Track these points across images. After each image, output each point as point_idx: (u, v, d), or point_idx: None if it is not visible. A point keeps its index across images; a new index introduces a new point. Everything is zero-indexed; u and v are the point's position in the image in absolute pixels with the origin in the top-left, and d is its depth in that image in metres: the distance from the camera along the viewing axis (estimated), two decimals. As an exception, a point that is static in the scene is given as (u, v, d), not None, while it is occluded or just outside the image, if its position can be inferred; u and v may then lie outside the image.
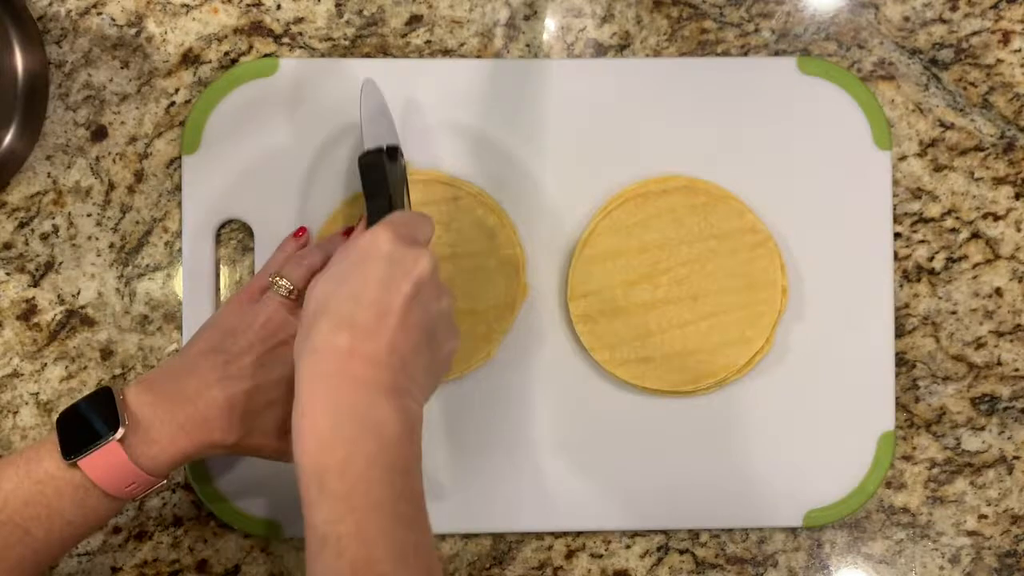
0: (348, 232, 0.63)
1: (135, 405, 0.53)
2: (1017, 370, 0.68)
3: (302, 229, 0.64)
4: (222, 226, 0.66)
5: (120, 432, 0.52)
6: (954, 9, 0.68)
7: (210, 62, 0.66)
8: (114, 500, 0.53)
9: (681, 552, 0.67)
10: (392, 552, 0.46)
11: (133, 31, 0.66)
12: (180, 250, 0.66)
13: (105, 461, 0.52)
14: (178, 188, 0.66)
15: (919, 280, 0.68)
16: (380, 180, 0.56)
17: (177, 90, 0.66)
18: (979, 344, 0.68)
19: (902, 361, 0.67)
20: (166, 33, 0.66)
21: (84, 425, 0.52)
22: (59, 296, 0.66)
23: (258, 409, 0.55)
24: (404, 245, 0.51)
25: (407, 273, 0.50)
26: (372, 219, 0.55)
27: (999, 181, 0.68)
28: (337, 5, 0.67)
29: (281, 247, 0.64)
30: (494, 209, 0.65)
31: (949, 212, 0.68)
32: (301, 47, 0.67)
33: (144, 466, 0.52)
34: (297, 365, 0.49)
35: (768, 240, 0.65)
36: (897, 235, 0.68)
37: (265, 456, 0.57)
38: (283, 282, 0.58)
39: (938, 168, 0.68)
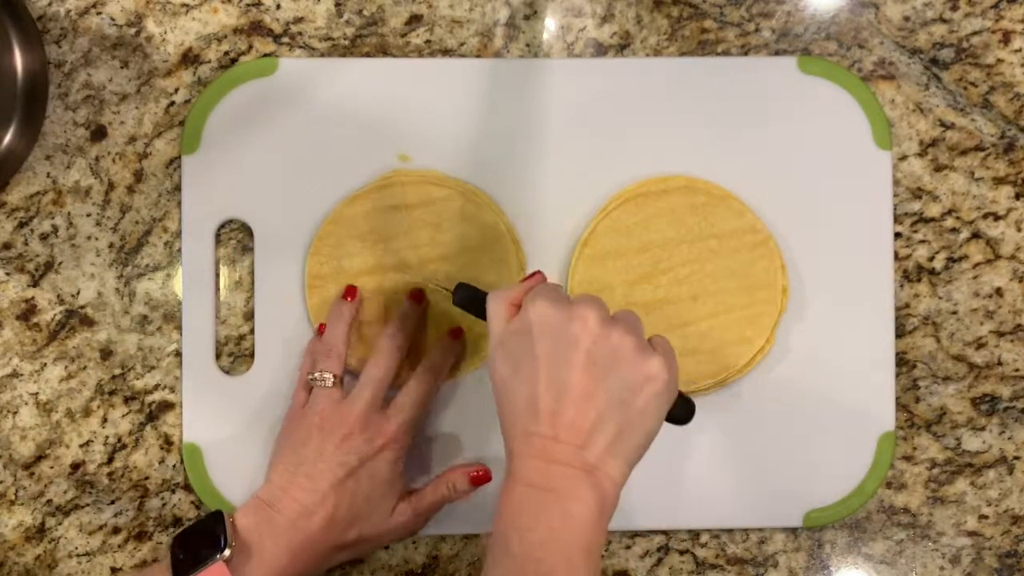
0: (352, 292, 0.64)
1: (242, 527, 0.57)
2: (1017, 370, 0.68)
3: (352, 290, 0.64)
4: (222, 226, 0.66)
5: (224, 555, 0.55)
6: (954, 9, 0.68)
7: (210, 62, 0.66)
8: None
9: (681, 552, 0.67)
10: None
11: (133, 31, 0.66)
12: (180, 250, 0.66)
13: None
14: (178, 188, 0.66)
15: (919, 280, 0.68)
16: (477, 297, 0.58)
17: (177, 90, 0.66)
18: (979, 344, 0.68)
19: (902, 361, 0.67)
20: (166, 33, 0.66)
21: (198, 545, 0.56)
22: (59, 296, 0.65)
23: (356, 506, 0.59)
24: (562, 309, 0.52)
25: (574, 340, 0.51)
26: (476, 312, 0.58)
27: (999, 181, 0.68)
28: (337, 5, 0.67)
29: (338, 312, 0.64)
30: (489, 206, 0.65)
31: (949, 212, 0.68)
32: (301, 47, 0.66)
33: None
34: (507, 444, 0.52)
35: (768, 240, 0.65)
36: (897, 235, 0.67)
37: (385, 543, 0.63)
38: (326, 375, 0.61)
39: (938, 168, 0.68)
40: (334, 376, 0.61)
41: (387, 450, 0.60)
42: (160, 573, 0.56)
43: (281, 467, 0.60)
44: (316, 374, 0.61)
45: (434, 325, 0.65)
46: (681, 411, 0.55)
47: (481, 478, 0.63)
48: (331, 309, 0.64)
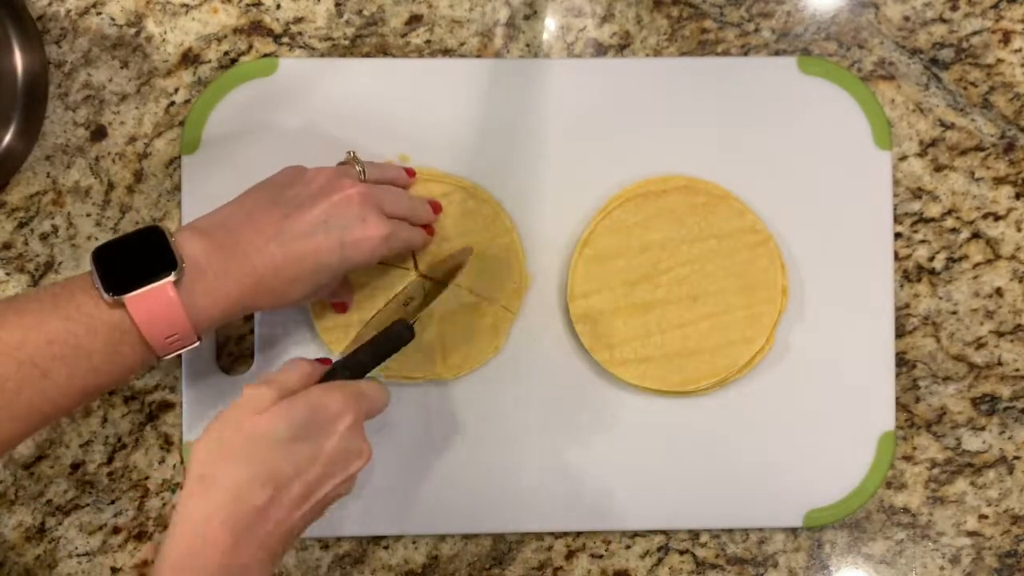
0: (339, 306, 0.63)
1: (189, 249, 0.50)
2: (1017, 370, 0.68)
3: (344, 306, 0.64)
4: (222, 226, 0.66)
5: (174, 275, 0.48)
6: (954, 9, 0.68)
7: (210, 62, 0.66)
8: (147, 352, 0.50)
9: (681, 552, 0.67)
10: None
11: (133, 31, 0.66)
12: (180, 250, 0.66)
13: (154, 303, 0.48)
14: (178, 188, 0.66)
15: (919, 280, 0.68)
16: (373, 361, 0.55)
17: (177, 90, 0.66)
18: (979, 344, 0.68)
19: (902, 361, 0.67)
20: (166, 33, 0.66)
21: (132, 262, 0.48)
22: (59, 296, 0.65)
23: (303, 276, 0.53)
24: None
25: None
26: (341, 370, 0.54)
27: (999, 181, 0.68)
28: (337, 5, 0.67)
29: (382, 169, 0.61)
30: (487, 201, 0.65)
31: (949, 212, 0.68)
32: (301, 47, 0.66)
33: (191, 316, 0.49)
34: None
35: (768, 240, 0.65)
36: (897, 235, 0.68)
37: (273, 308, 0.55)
38: (358, 167, 0.58)
39: (938, 168, 0.68)
40: (361, 168, 0.58)
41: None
42: (81, 289, 0.48)
43: (258, 194, 0.54)
44: (354, 158, 0.59)
45: (460, 323, 0.64)
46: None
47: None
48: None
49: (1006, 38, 0.68)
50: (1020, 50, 0.68)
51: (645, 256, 0.65)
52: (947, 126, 0.68)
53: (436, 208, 0.63)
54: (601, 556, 0.67)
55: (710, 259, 0.65)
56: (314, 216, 0.54)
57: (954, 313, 0.68)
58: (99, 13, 0.66)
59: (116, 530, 0.66)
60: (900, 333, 0.67)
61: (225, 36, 0.66)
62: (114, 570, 0.66)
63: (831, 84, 0.67)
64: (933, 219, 0.68)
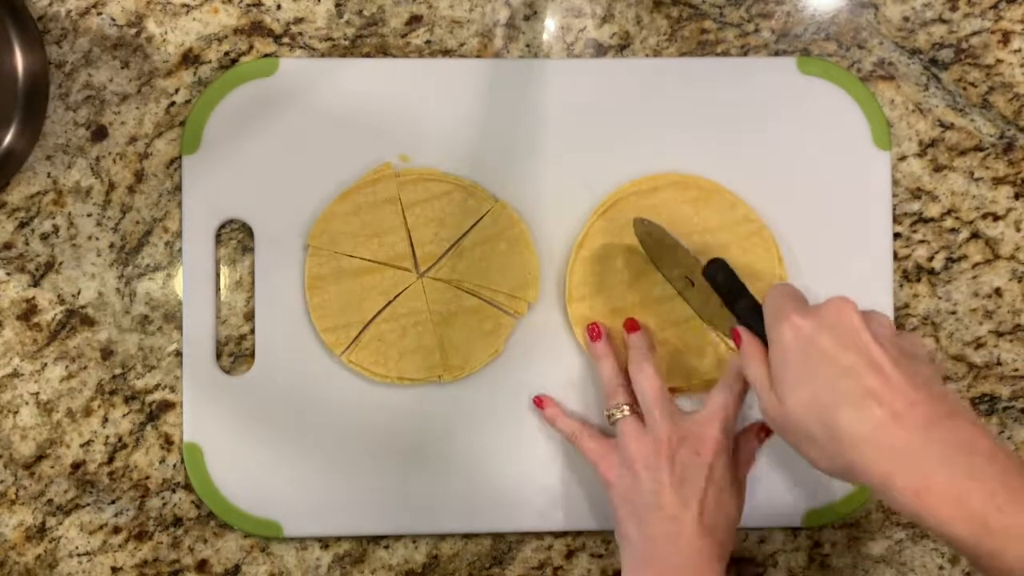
0: (595, 331, 0.64)
1: None
2: (1017, 370, 0.68)
3: (596, 329, 0.64)
4: (222, 226, 0.66)
5: None
6: (954, 9, 0.68)
7: (210, 62, 0.66)
8: None
9: (681, 552, 0.67)
10: None
11: (133, 31, 0.66)
12: (180, 250, 0.66)
13: None
14: (178, 188, 0.66)
15: (919, 280, 0.68)
16: (736, 282, 0.58)
17: (177, 90, 0.66)
18: (979, 344, 0.68)
19: (902, 361, 0.67)
20: (166, 33, 0.66)
21: None
22: (59, 296, 0.66)
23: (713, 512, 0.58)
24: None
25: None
26: (745, 320, 0.57)
27: (999, 181, 0.68)
28: (337, 5, 0.67)
29: (594, 354, 0.64)
30: (487, 199, 0.65)
31: (949, 212, 0.68)
32: (301, 47, 0.67)
33: None
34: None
35: (762, 230, 0.65)
36: (897, 235, 0.68)
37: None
38: (623, 407, 0.61)
39: (938, 168, 0.68)
40: (629, 405, 0.61)
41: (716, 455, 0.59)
42: None
43: (628, 520, 0.59)
44: (612, 409, 0.62)
45: (460, 324, 0.64)
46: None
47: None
48: (591, 352, 0.64)
49: (1006, 38, 0.68)
50: (1020, 50, 0.68)
51: (640, 254, 0.65)
52: (946, 126, 0.68)
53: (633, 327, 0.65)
54: (601, 556, 0.67)
55: (705, 253, 0.65)
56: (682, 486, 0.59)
57: (953, 313, 0.68)
58: (99, 13, 0.66)
59: (116, 530, 0.66)
60: (900, 333, 0.67)
61: (225, 36, 0.66)
62: (114, 570, 0.66)
63: (830, 84, 0.67)
64: (932, 219, 0.68)
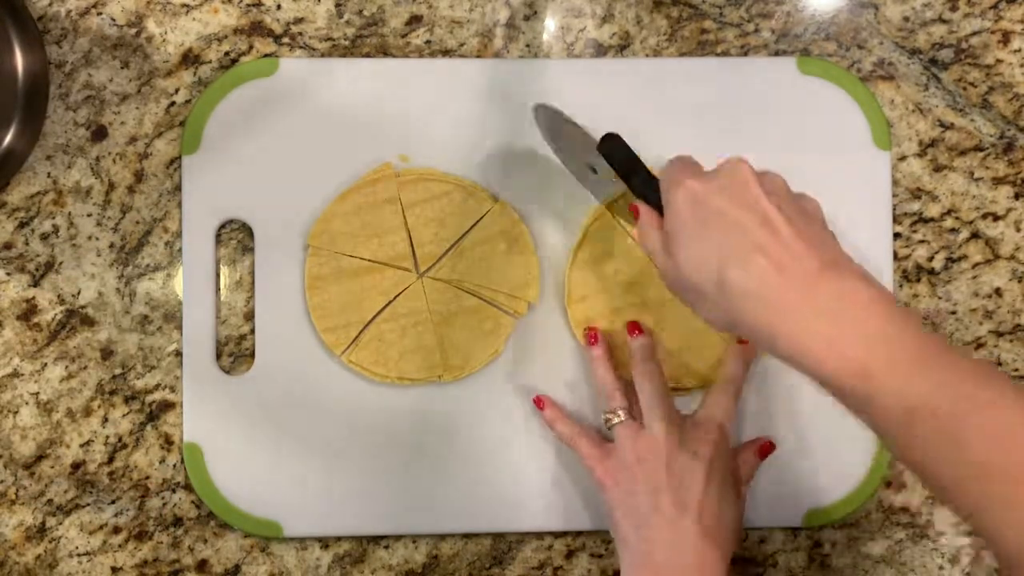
0: (592, 336, 0.64)
1: None
2: (1017, 370, 0.68)
3: (594, 334, 0.65)
4: (222, 226, 0.66)
5: None
6: (954, 9, 0.68)
7: (210, 62, 0.66)
8: None
9: (681, 552, 0.67)
10: None
11: (133, 31, 0.66)
12: (180, 250, 0.66)
13: None
14: (178, 188, 0.66)
15: (919, 280, 0.68)
16: (632, 156, 0.56)
17: (177, 90, 0.66)
18: (979, 344, 0.68)
19: (902, 361, 0.67)
20: (166, 33, 0.66)
21: None
22: (59, 296, 0.66)
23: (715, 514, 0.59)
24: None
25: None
26: (642, 194, 0.55)
27: (999, 181, 0.68)
28: (337, 5, 0.67)
29: (589, 358, 0.65)
30: (487, 199, 0.65)
31: (949, 212, 0.68)
32: (301, 47, 0.67)
33: None
34: None
35: None
36: (897, 235, 0.68)
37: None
38: (619, 411, 0.62)
39: (938, 168, 0.68)
40: (625, 410, 0.62)
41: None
42: None
43: (626, 523, 0.59)
44: (609, 414, 0.62)
45: (460, 324, 0.65)
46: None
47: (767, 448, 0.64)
48: (588, 356, 0.65)
49: (1005, 38, 0.68)
50: (1019, 50, 0.68)
51: (636, 256, 0.65)
52: (946, 126, 0.68)
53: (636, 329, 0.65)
54: (601, 556, 0.67)
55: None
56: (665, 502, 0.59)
57: (953, 313, 0.68)
58: (99, 13, 0.66)
59: (116, 530, 0.66)
60: (900, 333, 0.67)
61: (225, 36, 0.66)
62: (114, 570, 0.66)
63: (830, 84, 0.67)
64: (932, 219, 0.68)
